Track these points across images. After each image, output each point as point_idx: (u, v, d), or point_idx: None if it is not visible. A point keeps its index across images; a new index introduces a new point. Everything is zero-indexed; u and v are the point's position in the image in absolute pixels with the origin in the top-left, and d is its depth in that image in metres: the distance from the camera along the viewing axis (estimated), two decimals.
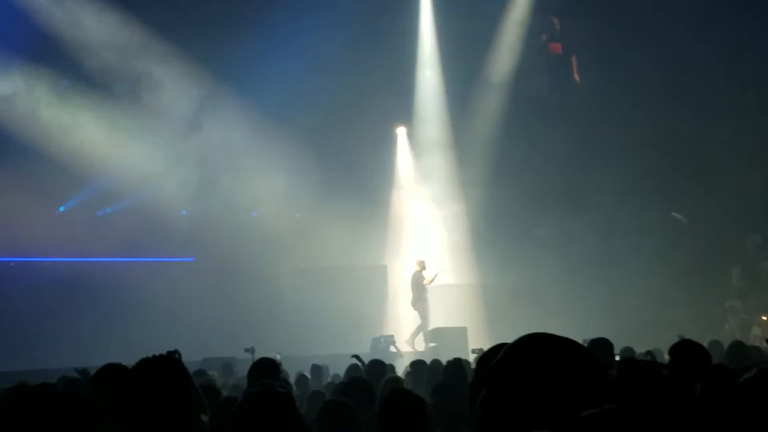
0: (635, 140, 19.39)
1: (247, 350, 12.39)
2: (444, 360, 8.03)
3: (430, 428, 4.48)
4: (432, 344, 17.20)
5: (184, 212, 19.33)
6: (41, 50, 17.51)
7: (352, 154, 19.51)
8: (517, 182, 19.51)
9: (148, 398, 3.39)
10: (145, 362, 3.49)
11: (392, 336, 17.41)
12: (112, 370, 4.81)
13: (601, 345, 6.01)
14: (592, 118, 20.28)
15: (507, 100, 20.97)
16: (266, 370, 5.74)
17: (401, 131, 21.16)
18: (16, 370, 12.15)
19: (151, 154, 18.34)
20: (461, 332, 16.94)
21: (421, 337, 18.09)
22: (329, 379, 10.39)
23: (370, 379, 6.78)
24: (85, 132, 18.03)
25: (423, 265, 18.22)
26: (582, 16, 20.84)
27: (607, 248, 19.31)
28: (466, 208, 20.01)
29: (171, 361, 3.50)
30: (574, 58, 21.52)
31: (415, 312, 18.23)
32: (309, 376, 10.36)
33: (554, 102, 21.38)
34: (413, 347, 17.60)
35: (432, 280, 18.14)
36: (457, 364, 7.15)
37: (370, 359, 8.67)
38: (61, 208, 18.93)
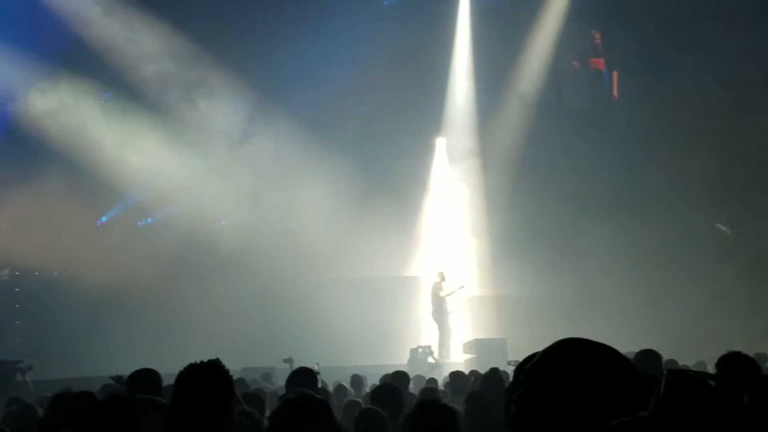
0: (681, 149, 19.12)
1: (285, 361, 12.39)
2: (483, 371, 7.98)
3: None
4: (470, 355, 17.11)
5: (222, 222, 19.46)
6: (87, 62, 17.78)
7: (391, 166, 19.53)
8: (559, 192, 19.36)
9: (195, 402, 3.46)
10: (192, 367, 3.57)
11: (430, 347, 17.36)
12: (143, 374, 4.92)
13: (649, 356, 5.90)
14: (637, 127, 20.09)
15: (549, 111, 20.86)
16: (304, 379, 5.73)
17: (441, 141, 21.11)
18: (62, 378, 12.34)
19: (190, 166, 18.52)
20: (500, 343, 16.81)
21: (448, 348, 18.06)
22: (368, 390, 10.35)
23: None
24: (127, 144, 18.26)
25: (443, 276, 18.34)
26: (625, 24, 20.67)
27: (651, 259, 19.05)
28: (506, 218, 19.84)
29: (217, 367, 3.58)
30: (615, 74, 21.35)
31: (437, 324, 18.28)
32: (348, 387, 10.33)
33: (598, 112, 21.23)
34: (443, 359, 17.57)
35: (450, 294, 18.14)
36: (495, 374, 7.08)
37: (408, 371, 8.63)
38: (103, 219, 19.19)
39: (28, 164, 17.66)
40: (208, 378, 3.53)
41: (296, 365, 8.54)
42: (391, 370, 8.94)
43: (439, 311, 18.16)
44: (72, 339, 16.68)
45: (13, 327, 17.72)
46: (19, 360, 12.88)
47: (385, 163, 19.46)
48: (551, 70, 21.10)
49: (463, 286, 18.38)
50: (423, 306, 19.39)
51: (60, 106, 17.80)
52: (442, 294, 18.16)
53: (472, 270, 19.80)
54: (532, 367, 1.88)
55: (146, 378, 5.20)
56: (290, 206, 19.26)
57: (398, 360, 17.53)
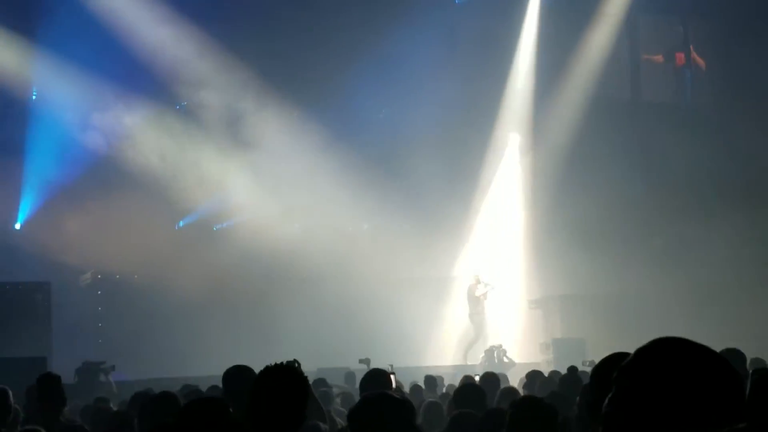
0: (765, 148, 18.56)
1: (362, 361, 12.44)
2: (562, 371, 7.89)
3: None
4: (547, 356, 16.94)
5: (297, 225, 19.62)
6: (163, 74, 18.14)
7: (461, 165, 19.45)
8: (635, 188, 19.02)
9: (272, 404, 3.52)
10: (268, 370, 3.66)
11: (501, 345, 17.23)
12: (239, 371, 5.01)
13: (733, 356, 5.71)
14: (716, 124, 19.63)
15: (624, 104, 20.51)
16: (379, 380, 5.73)
17: (514, 137, 20.87)
18: (147, 378, 12.67)
19: (265, 173, 18.73)
20: (579, 343, 16.59)
21: (474, 349, 17.97)
22: (444, 390, 10.31)
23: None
24: (204, 153, 18.60)
25: (478, 279, 18.42)
26: (709, 18, 20.25)
27: (733, 258, 18.50)
28: (578, 214, 19.42)
29: (292, 369, 3.68)
30: (698, 68, 20.96)
31: (473, 325, 18.25)
32: (423, 387, 10.31)
33: (678, 108, 20.85)
34: (465, 360, 17.45)
35: (482, 295, 18.16)
36: (573, 374, 7.00)
37: (484, 371, 8.56)
38: (180, 223, 19.60)
39: (108, 170, 18.13)
40: (283, 379, 3.59)
41: (371, 366, 8.59)
42: (465, 371, 8.89)
43: (475, 313, 18.21)
44: (153, 340, 17.03)
45: (96, 329, 18.20)
46: (102, 361, 13.24)
47: (457, 163, 19.37)
48: (628, 64, 20.73)
49: (493, 287, 18.30)
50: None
51: (142, 118, 18.24)
52: (477, 294, 18.24)
53: (541, 269, 19.54)
54: (627, 365, 1.84)
55: (241, 375, 5.18)
56: (364, 207, 19.29)
57: (471, 360, 17.46)
